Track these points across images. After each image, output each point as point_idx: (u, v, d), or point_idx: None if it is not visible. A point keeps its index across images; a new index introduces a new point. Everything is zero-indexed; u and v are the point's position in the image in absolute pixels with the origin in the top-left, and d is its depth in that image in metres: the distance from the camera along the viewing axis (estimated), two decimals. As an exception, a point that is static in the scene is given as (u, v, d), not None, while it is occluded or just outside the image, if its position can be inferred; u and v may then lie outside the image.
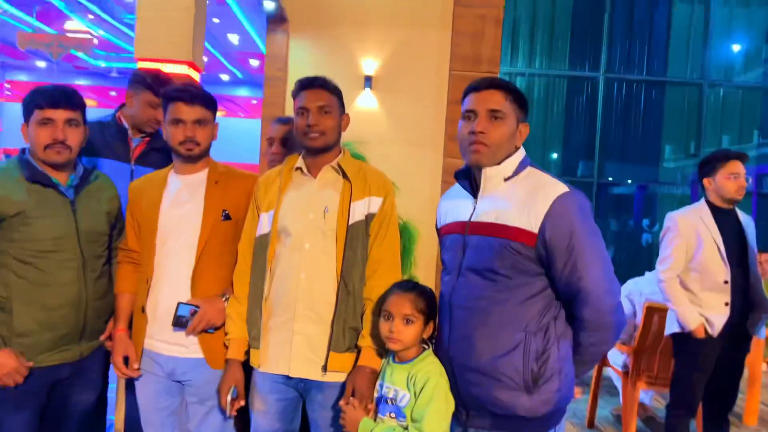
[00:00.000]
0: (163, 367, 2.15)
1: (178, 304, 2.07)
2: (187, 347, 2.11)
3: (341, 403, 1.90)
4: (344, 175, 2.07)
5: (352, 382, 1.93)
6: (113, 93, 17.65)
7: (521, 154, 1.85)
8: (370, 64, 6.67)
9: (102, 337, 2.21)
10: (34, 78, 17.17)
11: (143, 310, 2.14)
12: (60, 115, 2.04)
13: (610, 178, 7.14)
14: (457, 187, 1.98)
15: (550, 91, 7.02)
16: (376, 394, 1.92)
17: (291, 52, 6.66)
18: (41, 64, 16.00)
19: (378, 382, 1.94)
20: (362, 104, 6.67)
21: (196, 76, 3.68)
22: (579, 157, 7.00)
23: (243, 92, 19.17)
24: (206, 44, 10.32)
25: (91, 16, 10.43)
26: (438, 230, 2.04)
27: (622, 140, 7.08)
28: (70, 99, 2.08)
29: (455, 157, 6.15)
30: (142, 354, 2.16)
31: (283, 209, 2.07)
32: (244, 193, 2.19)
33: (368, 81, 6.65)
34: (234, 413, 2.07)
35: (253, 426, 2.11)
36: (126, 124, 2.71)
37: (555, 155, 7.50)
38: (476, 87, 1.84)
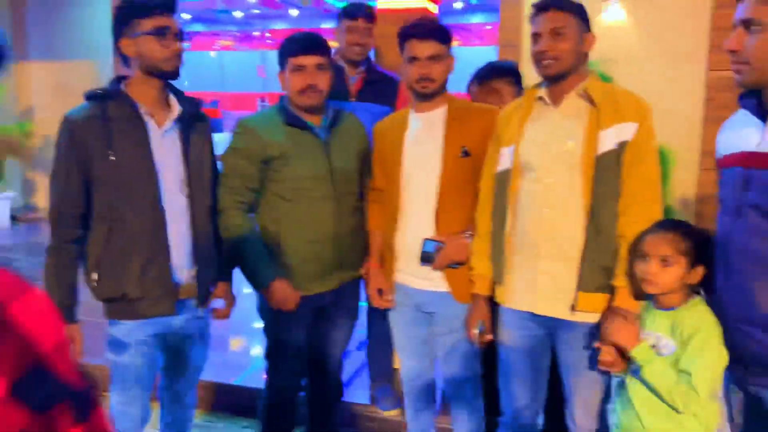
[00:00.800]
0: (413, 298, 2.24)
1: (424, 240, 2.12)
2: (434, 281, 2.17)
3: (602, 341, 1.80)
4: (591, 101, 1.89)
5: (609, 323, 1.79)
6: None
7: None
8: (615, -27, 6.00)
9: (362, 271, 2.36)
10: (288, 25, 18.77)
11: (392, 246, 2.24)
12: (310, 60, 2.15)
13: None
14: (741, 113, 1.68)
15: None
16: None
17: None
18: (293, 12, 17.40)
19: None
20: (608, 18, 6.08)
21: (434, 9, 3.63)
22: None
23: (477, 19, 18.76)
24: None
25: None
26: (717, 162, 1.77)
27: None
28: (318, 45, 2.18)
29: (721, 70, 5.31)
30: (394, 287, 2.27)
31: (524, 142, 1.97)
32: (483, 128, 2.13)
33: (614, -9, 6.02)
34: (483, 346, 2.09)
35: (502, 359, 2.12)
36: (341, 63, 2.81)
37: None
38: (536, 11, 1.88)
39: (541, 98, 1.98)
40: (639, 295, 1.81)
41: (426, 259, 2.12)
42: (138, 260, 1.91)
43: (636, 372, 1.72)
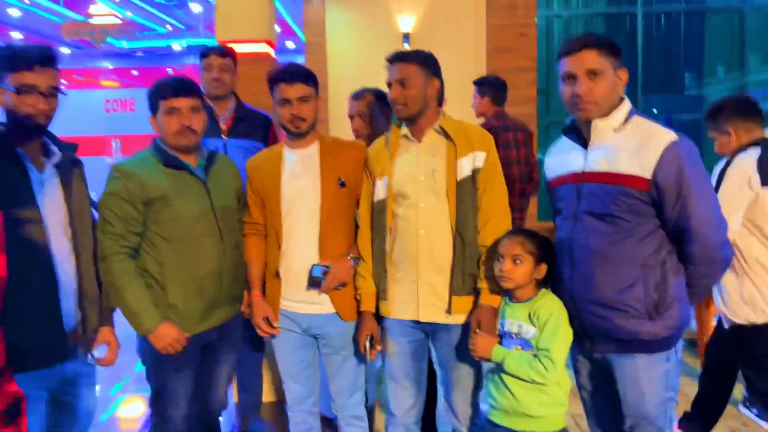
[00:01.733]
0: (300, 324, 2.37)
1: (312, 266, 2.28)
2: (321, 304, 2.33)
3: (472, 333, 2.11)
4: (446, 136, 2.22)
5: (476, 317, 2.13)
6: (135, 72, 17.77)
7: (627, 105, 1.99)
8: (407, 21, 6.72)
9: (243, 307, 2.43)
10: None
11: (277, 274, 2.36)
12: (183, 103, 2.20)
13: (654, 111, 7.12)
14: (562, 142, 2.14)
15: (589, 30, 7.02)
16: (497, 331, 2.13)
17: (328, 16, 6.73)
18: (66, 50, 16.17)
19: (498, 321, 2.14)
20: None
21: (272, 52, 3.83)
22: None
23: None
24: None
25: (117, -1, 10.57)
26: (548, 182, 2.20)
27: (664, 74, 7.06)
28: (190, 87, 2.24)
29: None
30: (279, 314, 2.39)
31: (395, 174, 2.25)
32: (354, 159, 2.37)
33: (406, 38, 6.72)
34: (373, 357, 2.30)
35: (388, 368, 2.35)
36: (209, 103, 2.91)
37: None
38: (568, 51, 1.97)
39: (405, 136, 2.28)
40: (498, 292, 2.17)
41: (314, 283, 2.28)
42: (28, 308, 1.83)
43: (526, 345, 2.06)
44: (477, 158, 2.20)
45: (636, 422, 2.01)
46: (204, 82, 2.87)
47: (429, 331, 2.28)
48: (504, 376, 2.09)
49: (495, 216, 2.20)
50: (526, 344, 2.05)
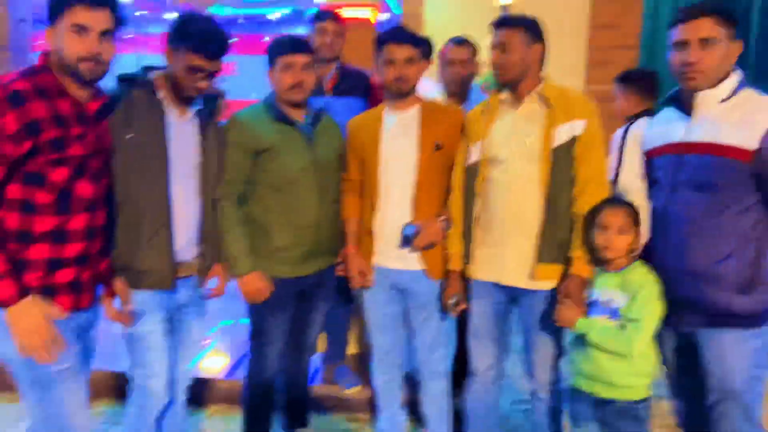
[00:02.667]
0: (389, 278, 2.50)
1: (404, 225, 2.39)
2: (409, 261, 2.45)
3: (559, 302, 2.15)
4: (546, 103, 2.24)
5: (566, 287, 2.16)
6: (234, 39, 18.44)
7: (737, 76, 1.96)
8: (506, -7, 6.62)
9: (339, 257, 2.58)
10: (164, 29, 18.13)
11: (370, 232, 2.49)
12: (299, 59, 2.35)
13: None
14: (664, 112, 2.12)
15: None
16: (587, 300, 2.16)
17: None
18: (170, 15, 16.94)
19: (589, 290, 2.16)
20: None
21: (373, 18, 3.93)
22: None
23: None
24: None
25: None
26: (645, 153, 2.19)
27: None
28: (305, 46, 2.40)
29: (599, 84, 6.07)
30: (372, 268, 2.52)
31: (490, 139, 2.30)
32: (451, 124, 2.44)
33: (505, 11, 6.64)
34: (457, 314, 2.40)
35: (471, 327, 2.44)
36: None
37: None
38: (684, 17, 1.96)
39: (503, 101, 2.33)
40: (591, 262, 2.19)
41: (406, 241, 2.40)
42: (144, 234, 2.07)
43: (615, 315, 2.08)
44: (575, 126, 2.20)
45: (721, 397, 2.01)
46: (316, 44, 3.00)
47: (512, 295, 2.34)
48: (591, 347, 2.12)
49: (592, 185, 2.19)
50: (615, 314, 2.07)
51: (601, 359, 2.09)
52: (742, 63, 2.02)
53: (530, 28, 2.25)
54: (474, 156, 2.35)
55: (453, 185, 2.42)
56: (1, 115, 1.67)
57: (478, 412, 2.49)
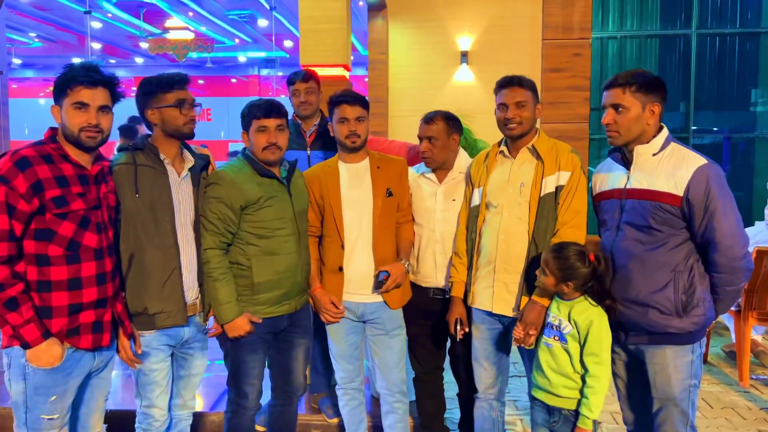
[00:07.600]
0: (355, 311, 2.80)
1: (378, 272, 2.69)
2: (373, 295, 2.77)
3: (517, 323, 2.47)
4: (537, 155, 2.55)
5: (525, 312, 2.46)
6: (201, 81, 18.70)
7: (665, 133, 2.32)
8: (465, 41, 7.09)
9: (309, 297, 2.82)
10: (132, 73, 18.35)
11: (340, 269, 2.76)
12: (271, 122, 2.54)
13: (714, 129, 7.20)
14: (608, 161, 2.48)
15: (643, 51, 7.22)
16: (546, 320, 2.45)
17: (390, 36, 7.16)
18: (139, 60, 17.16)
19: (546, 312, 2.45)
20: (460, 79, 7.13)
21: (347, 75, 4.28)
22: (671, 111, 7.14)
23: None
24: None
25: (191, 14, 11.28)
26: (594, 197, 2.53)
27: (716, 93, 7.17)
28: (278, 109, 2.58)
29: (551, 123, 6.51)
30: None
31: (489, 185, 2.63)
32: (397, 173, 2.81)
33: (464, 57, 7.08)
34: (461, 336, 2.71)
35: (472, 351, 2.75)
36: (298, 121, 3.33)
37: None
38: (605, 85, 2.33)
39: (501, 152, 2.64)
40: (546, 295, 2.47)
41: (378, 285, 2.71)
42: (158, 279, 2.33)
43: (561, 338, 2.38)
44: (561, 177, 2.50)
45: (663, 404, 2.32)
46: (293, 105, 3.29)
47: (503, 321, 2.64)
48: (542, 363, 2.42)
49: (565, 228, 2.48)
50: (561, 337, 2.38)
51: (551, 375, 2.39)
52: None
53: (534, 89, 2.57)
54: (476, 199, 2.67)
55: (460, 222, 2.75)
56: (14, 177, 1.97)
57: (485, 426, 2.78)
